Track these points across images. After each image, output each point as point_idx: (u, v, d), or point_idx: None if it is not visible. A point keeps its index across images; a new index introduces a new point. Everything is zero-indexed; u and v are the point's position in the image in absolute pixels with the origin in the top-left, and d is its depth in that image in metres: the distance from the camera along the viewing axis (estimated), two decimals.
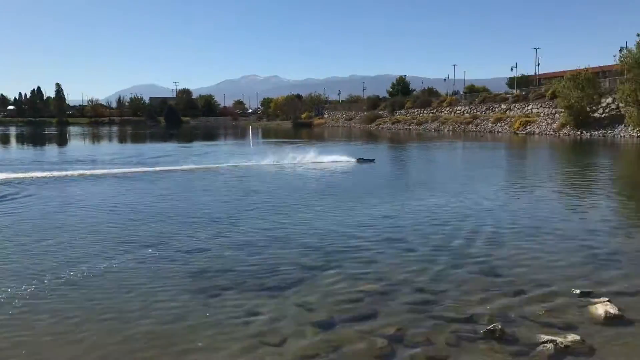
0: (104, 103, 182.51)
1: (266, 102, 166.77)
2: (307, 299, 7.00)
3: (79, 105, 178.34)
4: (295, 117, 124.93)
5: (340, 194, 16.44)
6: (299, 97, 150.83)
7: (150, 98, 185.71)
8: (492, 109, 75.28)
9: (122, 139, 65.94)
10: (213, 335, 5.92)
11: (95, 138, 67.94)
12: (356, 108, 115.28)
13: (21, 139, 66.90)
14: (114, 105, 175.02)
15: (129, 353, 5.59)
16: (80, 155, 34.20)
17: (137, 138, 67.56)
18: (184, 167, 24.79)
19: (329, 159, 26.61)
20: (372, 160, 26.93)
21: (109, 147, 48.30)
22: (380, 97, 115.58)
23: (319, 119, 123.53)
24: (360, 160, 26.39)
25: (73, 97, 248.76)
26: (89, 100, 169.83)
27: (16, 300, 6.89)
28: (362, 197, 15.65)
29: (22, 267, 8.38)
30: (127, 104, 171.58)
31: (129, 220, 12.30)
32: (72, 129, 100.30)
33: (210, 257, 9.04)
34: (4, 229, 11.38)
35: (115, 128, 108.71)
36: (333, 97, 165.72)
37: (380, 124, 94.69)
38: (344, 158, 26.96)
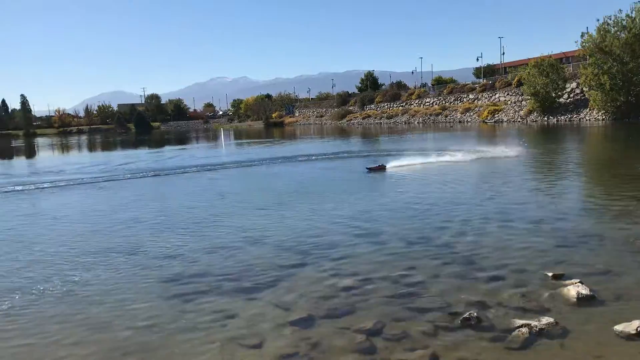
0: (71, 112, 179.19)
1: (236, 104, 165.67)
2: (284, 298, 7.00)
3: (46, 116, 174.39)
4: (267, 117, 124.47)
5: (316, 192, 16.39)
6: (268, 96, 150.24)
7: (119, 105, 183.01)
8: (460, 99, 76.20)
9: (91, 148, 64.79)
10: (190, 340, 5.88)
11: (65, 148, 66.68)
12: (326, 105, 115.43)
13: None
14: (81, 114, 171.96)
15: None
16: (50, 166, 33.47)
17: (108, 146, 66.45)
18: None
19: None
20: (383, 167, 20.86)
21: (79, 157, 47.38)
22: (350, 92, 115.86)
23: (290, 117, 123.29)
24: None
25: (40, 107, 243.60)
26: (56, 110, 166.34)
27: None
28: (340, 193, 15.64)
29: None
30: (95, 112, 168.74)
31: (101, 230, 12.08)
32: (40, 140, 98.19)
33: (184, 261, 8.95)
34: None
35: (84, 137, 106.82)
36: (303, 95, 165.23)
37: (351, 119, 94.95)
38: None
